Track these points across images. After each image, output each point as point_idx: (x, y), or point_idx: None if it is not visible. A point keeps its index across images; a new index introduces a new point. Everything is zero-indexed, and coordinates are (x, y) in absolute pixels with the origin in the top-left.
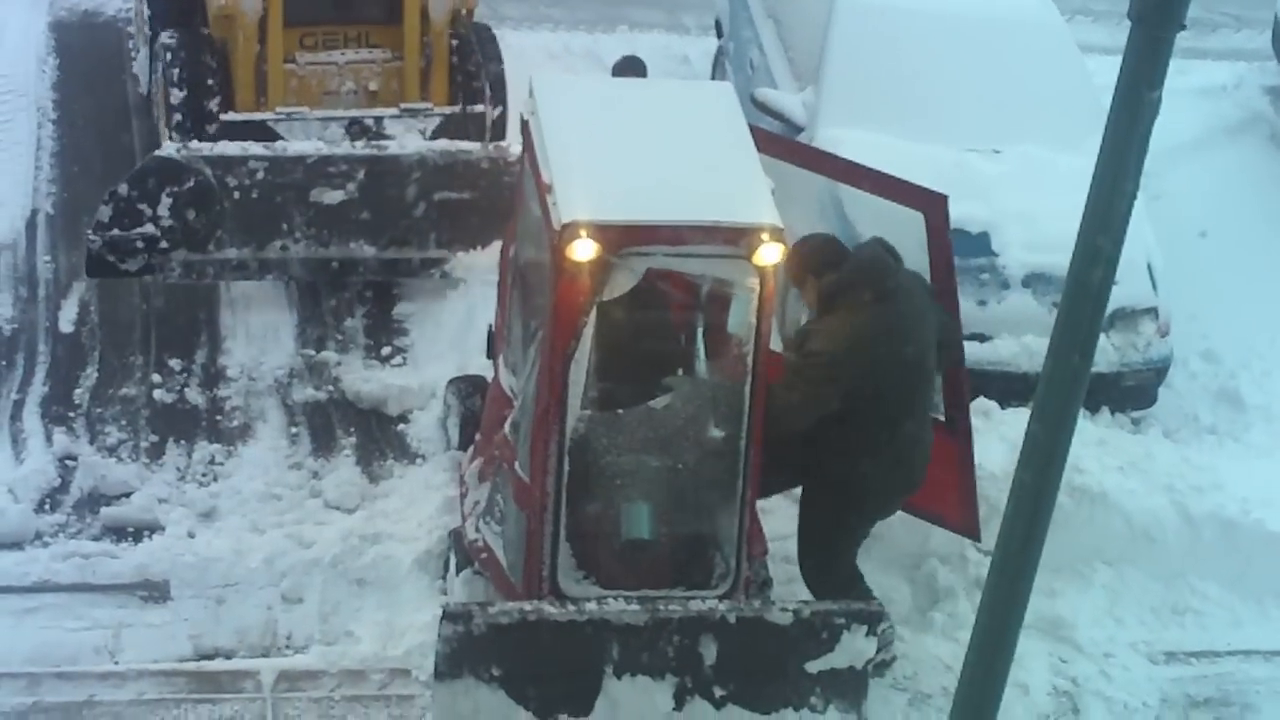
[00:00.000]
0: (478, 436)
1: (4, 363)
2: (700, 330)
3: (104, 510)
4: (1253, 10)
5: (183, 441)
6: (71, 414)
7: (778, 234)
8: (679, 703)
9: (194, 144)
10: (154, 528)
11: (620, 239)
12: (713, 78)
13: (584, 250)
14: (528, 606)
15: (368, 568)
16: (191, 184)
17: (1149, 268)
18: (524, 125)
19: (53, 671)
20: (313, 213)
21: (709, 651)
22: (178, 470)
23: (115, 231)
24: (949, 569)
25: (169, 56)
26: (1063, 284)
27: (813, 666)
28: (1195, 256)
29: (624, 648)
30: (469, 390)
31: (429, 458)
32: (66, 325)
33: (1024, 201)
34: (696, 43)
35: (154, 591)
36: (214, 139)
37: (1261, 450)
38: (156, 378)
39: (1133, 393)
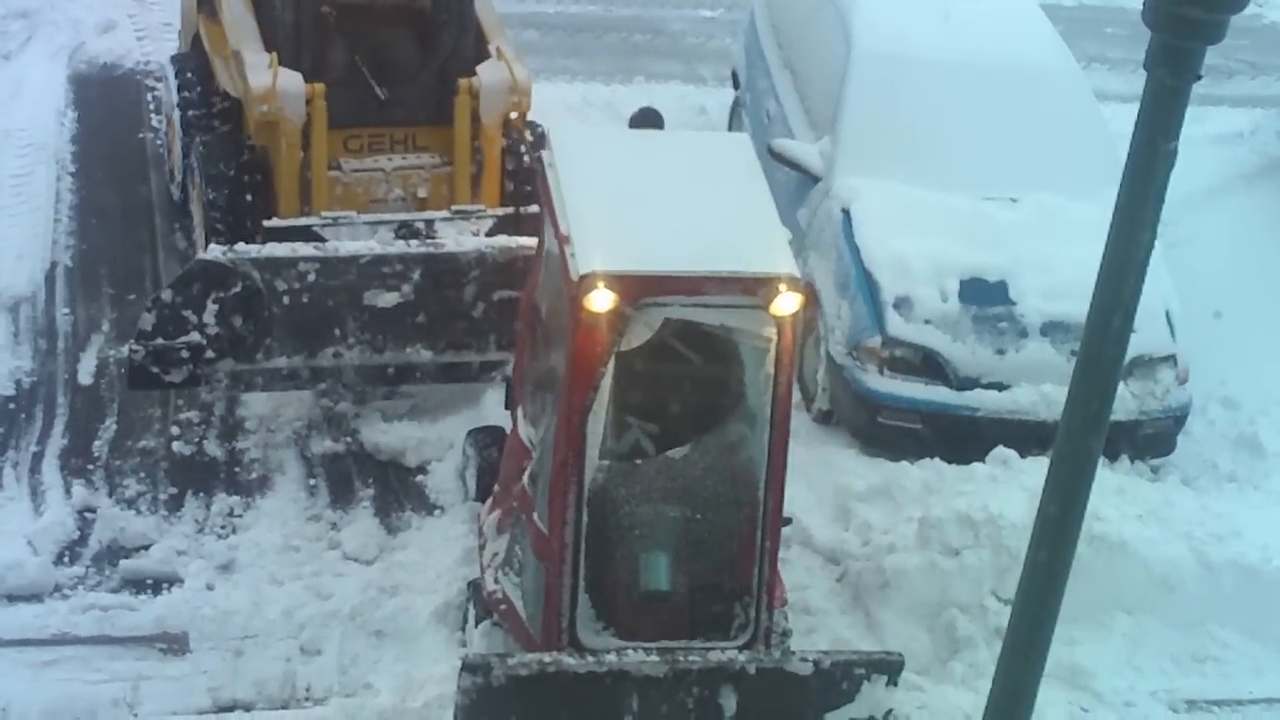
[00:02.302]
0: (496, 487)
1: (23, 415)
2: (719, 380)
3: (123, 563)
4: (1269, 57)
5: (201, 494)
6: (90, 466)
7: (795, 284)
8: None
9: (240, 246)
10: (173, 580)
11: (638, 289)
12: (730, 128)
13: (602, 301)
14: (547, 658)
15: (386, 619)
16: (238, 289)
17: (1167, 315)
18: (541, 176)
19: None
20: (366, 317)
21: (729, 703)
22: (196, 522)
23: (159, 341)
24: (968, 618)
25: (207, 163)
26: (1081, 332)
27: (833, 717)
28: (1214, 304)
29: (643, 699)
30: (487, 441)
31: (447, 509)
32: (85, 377)
33: (1041, 250)
34: (713, 93)
35: (173, 644)
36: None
37: None
38: (175, 430)
39: (1152, 440)
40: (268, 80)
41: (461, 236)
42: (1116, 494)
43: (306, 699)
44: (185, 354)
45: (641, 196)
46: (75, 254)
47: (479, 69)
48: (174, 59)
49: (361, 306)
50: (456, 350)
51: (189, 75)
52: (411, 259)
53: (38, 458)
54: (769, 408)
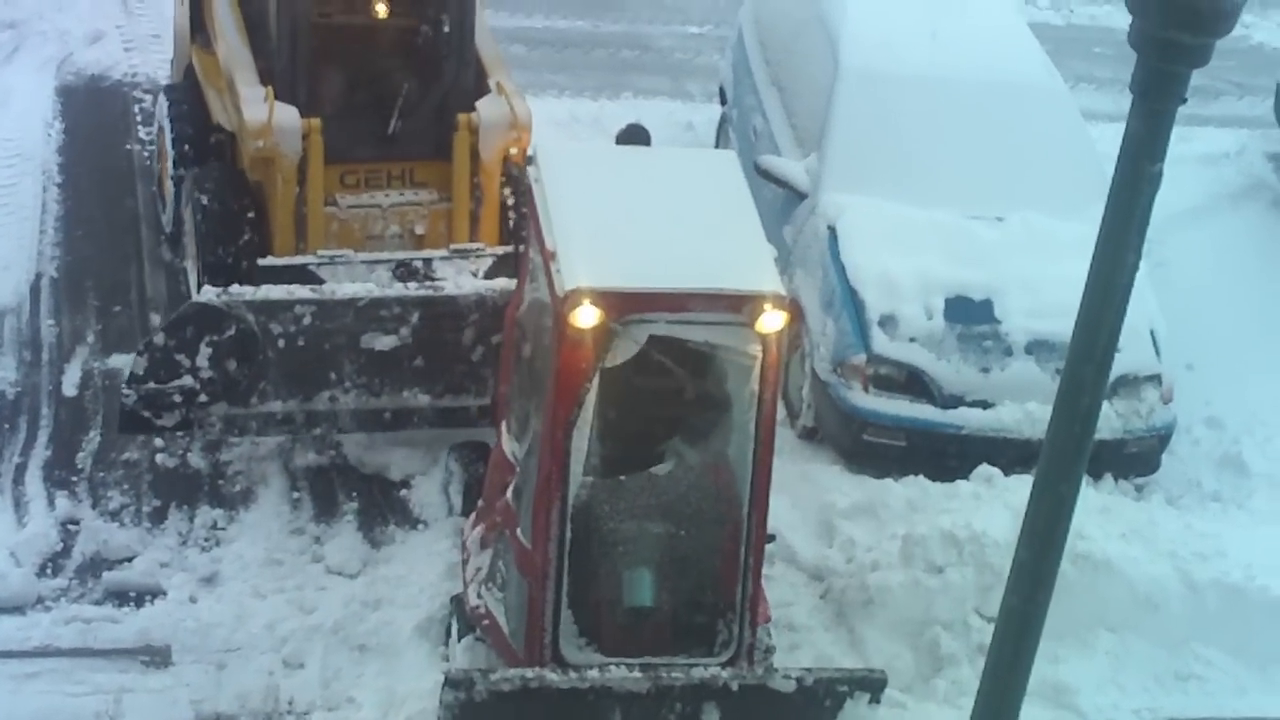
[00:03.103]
0: (480, 502)
1: (7, 426)
2: (704, 397)
3: (106, 575)
4: (1255, 78)
5: (185, 506)
6: (74, 478)
7: (780, 302)
8: None
9: (235, 288)
10: (156, 592)
11: (623, 305)
12: (717, 144)
13: (587, 317)
14: (530, 673)
15: (369, 634)
16: (232, 332)
17: (1152, 335)
18: (527, 191)
19: None
20: (363, 360)
21: (712, 719)
22: (179, 535)
23: (150, 385)
24: (952, 636)
25: (200, 197)
26: (1065, 351)
27: None
28: (1198, 323)
29: (626, 715)
30: (471, 456)
31: (431, 524)
32: (70, 389)
33: (1027, 268)
34: (701, 109)
35: (155, 656)
36: (251, 285)
37: (1265, 517)
38: (159, 442)
39: (1136, 460)
40: (263, 115)
41: (460, 278)
42: (1101, 513)
43: (289, 713)
44: (178, 398)
45: (628, 213)
46: (61, 265)
47: (479, 104)
48: (167, 90)
49: (359, 349)
50: (455, 395)
51: (182, 107)
52: (410, 302)
53: (21, 469)
54: (753, 425)
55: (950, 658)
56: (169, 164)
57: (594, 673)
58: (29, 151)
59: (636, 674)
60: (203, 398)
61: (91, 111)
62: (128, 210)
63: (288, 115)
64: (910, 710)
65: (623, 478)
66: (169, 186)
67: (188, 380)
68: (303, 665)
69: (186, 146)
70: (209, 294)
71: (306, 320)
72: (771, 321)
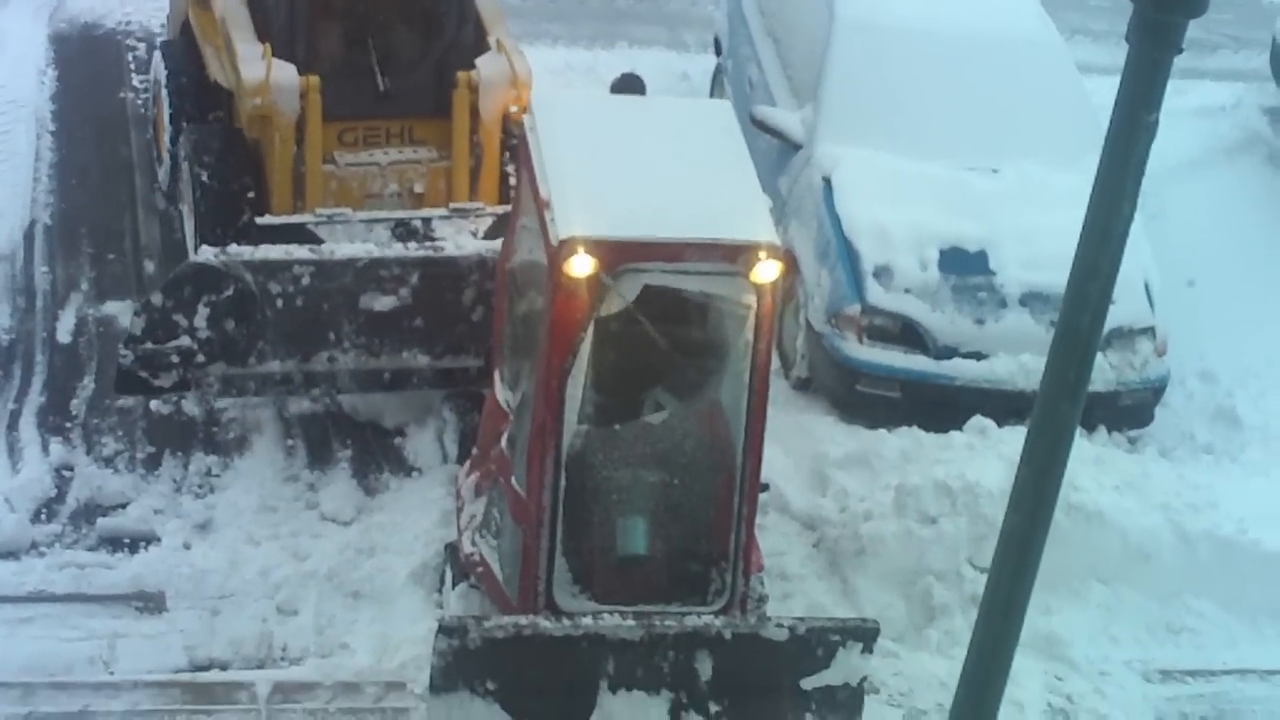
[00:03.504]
0: (474, 450)
1: (1, 373)
2: (698, 346)
3: (100, 521)
4: (1251, 31)
5: (179, 453)
6: (68, 424)
7: (775, 251)
8: (674, 718)
9: (233, 248)
10: (150, 539)
11: (617, 255)
12: (711, 95)
13: (581, 266)
14: (523, 621)
15: (363, 580)
16: (231, 292)
17: (1146, 287)
18: (521, 140)
19: (47, 682)
20: (362, 320)
21: (704, 667)
22: (174, 482)
23: (148, 345)
24: (944, 586)
25: (198, 156)
26: (1060, 303)
27: (808, 683)
28: (1193, 276)
29: (619, 663)
30: (466, 405)
31: (425, 471)
32: (64, 336)
33: (1022, 220)
34: (696, 60)
35: (149, 602)
36: (249, 244)
37: (1258, 469)
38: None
39: (1130, 412)
40: (261, 73)
41: (460, 237)
42: (1094, 464)
43: (283, 659)
44: (175, 359)
45: (623, 162)
46: (55, 212)
47: (478, 62)
48: (163, 46)
49: (357, 310)
50: (455, 355)
51: (179, 64)
52: (410, 262)
53: (15, 415)
54: (748, 374)
55: (943, 608)
56: (165, 121)
57: (587, 621)
58: (22, 99)
59: (630, 622)
60: (200, 358)
61: (85, 59)
62: (122, 158)
63: (286, 73)
64: (903, 660)
65: (617, 426)
66: (165, 143)
67: (185, 341)
68: (296, 612)
69: (183, 104)
70: (207, 254)
71: (305, 280)
72: (766, 271)
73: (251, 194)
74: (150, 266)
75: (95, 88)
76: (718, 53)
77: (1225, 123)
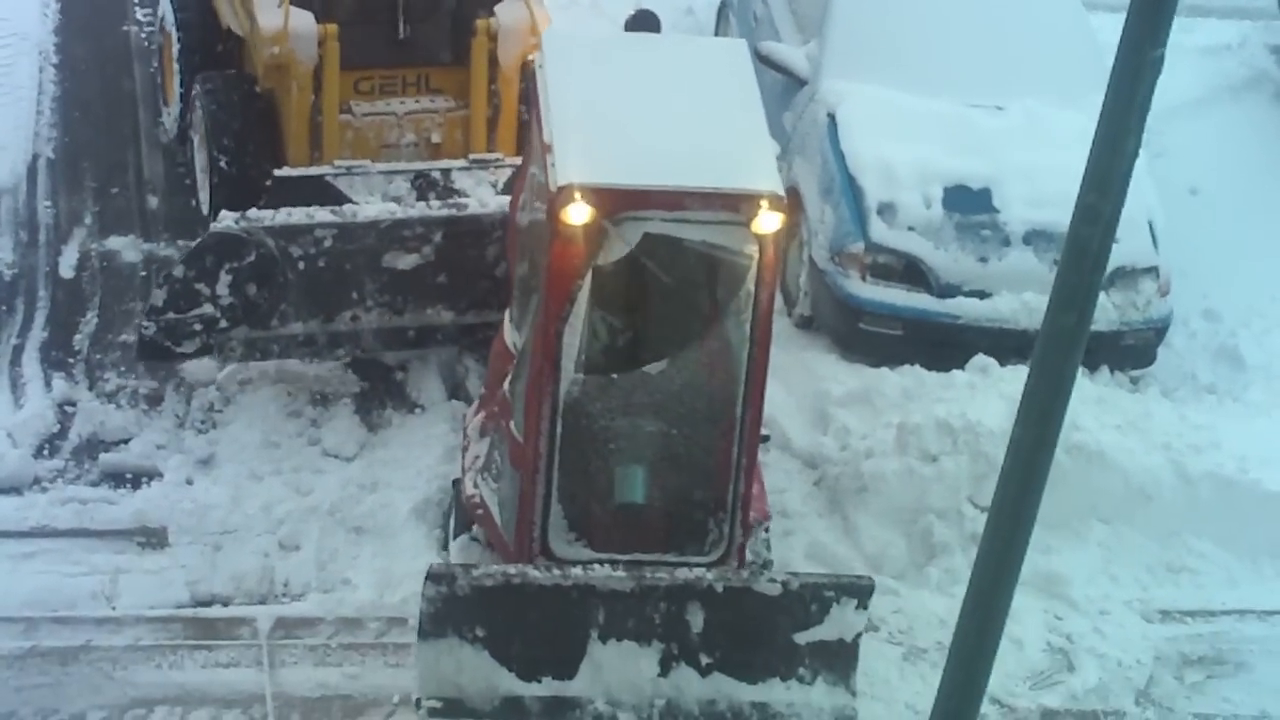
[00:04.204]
0: (482, 389)
1: (4, 308)
2: (700, 296)
3: (102, 456)
4: None
5: (182, 389)
6: (71, 360)
7: (778, 202)
8: (664, 669)
9: (253, 213)
10: (152, 474)
11: (616, 203)
12: (716, 30)
13: (579, 214)
14: (512, 569)
15: (365, 516)
16: (252, 258)
17: (1150, 226)
18: (530, 82)
19: (50, 616)
20: (385, 279)
21: (695, 619)
22: (176, 417)
23: (170, 315)
24: (945, 524)
25: (212, 105)
26: (1063, 241)
27: (802, 638)
28: (1197, 215)
29: (609, 613)
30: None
31: (428, 407)
32: (67, 271)
33: (1026, 158)
34: None
35: (151, 538)
36: (267, 196)
37: (1260, 409)
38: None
39: (1132, 351)
40: (278, 20)
41: (481, 190)
42: (1096, 404)
43: (285, 594)
44: (198, 326)
45: (629, 106)
46: (57, 146)
47: (497, 9)
48: None
49: (380, 269)
50: (479, 311)
51: (189, 12)
52: (433, 222)
53: (18, 350)
54: (749, 325)
55: (943, 546)
56: (174, 66)
57: (577, 570)
58: (25, 31)
59: (620, 573)
60: (223, 323)
61: None
62: (125, 91)
63: (303, 20)
64: (903, 598)
65: (615, 375)
66: (174, 87)
67: (208, 309)
68: (299, 547)
69: (194, 53)
70: (227, 220)
71: (328, 242)
72: (768, 222)
73: (267, 145)
74: (154, 201)
75: (98, 21)
76: None
77: (1231, 61)
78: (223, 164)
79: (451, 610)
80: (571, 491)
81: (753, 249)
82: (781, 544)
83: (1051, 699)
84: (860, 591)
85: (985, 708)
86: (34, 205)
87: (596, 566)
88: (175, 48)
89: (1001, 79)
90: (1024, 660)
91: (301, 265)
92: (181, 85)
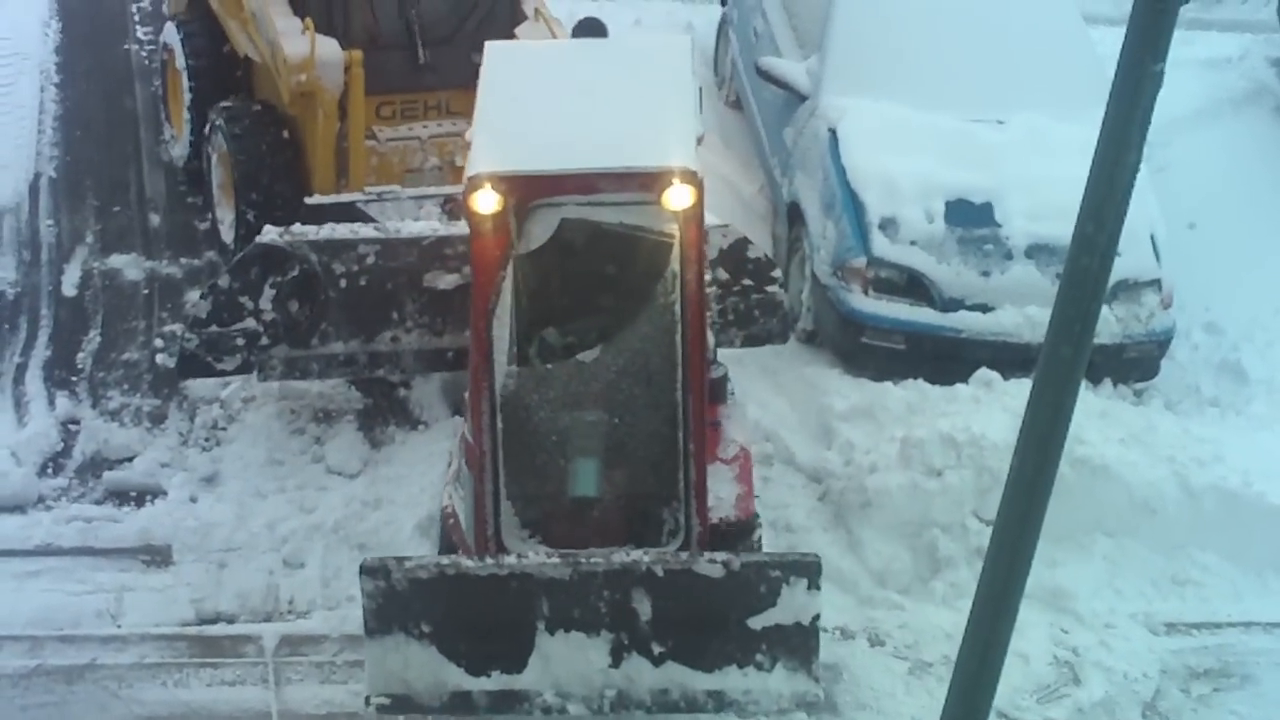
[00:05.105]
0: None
1: (7, 326)
2: (629, 281)
3: (106, 474)
4: None
5: (185, 406)
6: (74, 378)
7: (689, 177)
8: (615, 660)
9: (297, 228)
10: (156, 492)
11: (525, 189)
12: (716, 45)
13: (486, 202)
14: (445, 560)
15: (369, 533)
16: (295, 273)
17: (1152, 239)
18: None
19: (55, 635)
20: (426, 299)
21: (643, 607)
22: (180, 435)
23: (213, 329)
24: (950, 538)
25: (236, 132)
26: (1066, 255)
27: (756, 623)
28: (1199, 229)
29: (553, 603)
30: None
31: (431, 424)
32: (69, 289)
33: (1028, 172)
34: (702, 10)
35: (156, 556)
36: (290, 223)
37: (1263, 422)
38: (159, 342)
39: (1135, 364)
40: (304, 48)
41: None
42: (1099, 417)
43: (289, 611)
44: (240, 341)
45: (553, 102)
46: (59, 165)
47: (517, 31)
48: (179, 22)
49: (421, 289)
50: None
51: (198, 40)
52: None
53: (21, 369)
54: (678, 307)
55: (948, 560)
56: (185, 100)
57: (511, 559)
58: (26, 50)
59: (555, 560)
60: (264, 340)
61: (89, 11)
62: (126, 110)
63: (329, 48)
64: (908, 612)
65: (550, 367)
66: (183, 117)
67: (250, 323)
68: (303, 564)
69: (205, 79)
70: (271, 234)
71: (370, 259)
72: (679, 197)
73: (292, 173)
74: (156, 219)
75: (100, 39)
76: (723, 2)
77: (1232, 74)
78: (251, 193)
79: (394, 605)
80: (523, 488)
81: (674, 228)
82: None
83: (1057, 713)
84: (808, 570)
85: None
86: (36, 224)
87: (530, 555)
88: (184, 76)
89: (1002, 93)
90: (1030, 674)
91: (343, 282)
92: (191, 112)
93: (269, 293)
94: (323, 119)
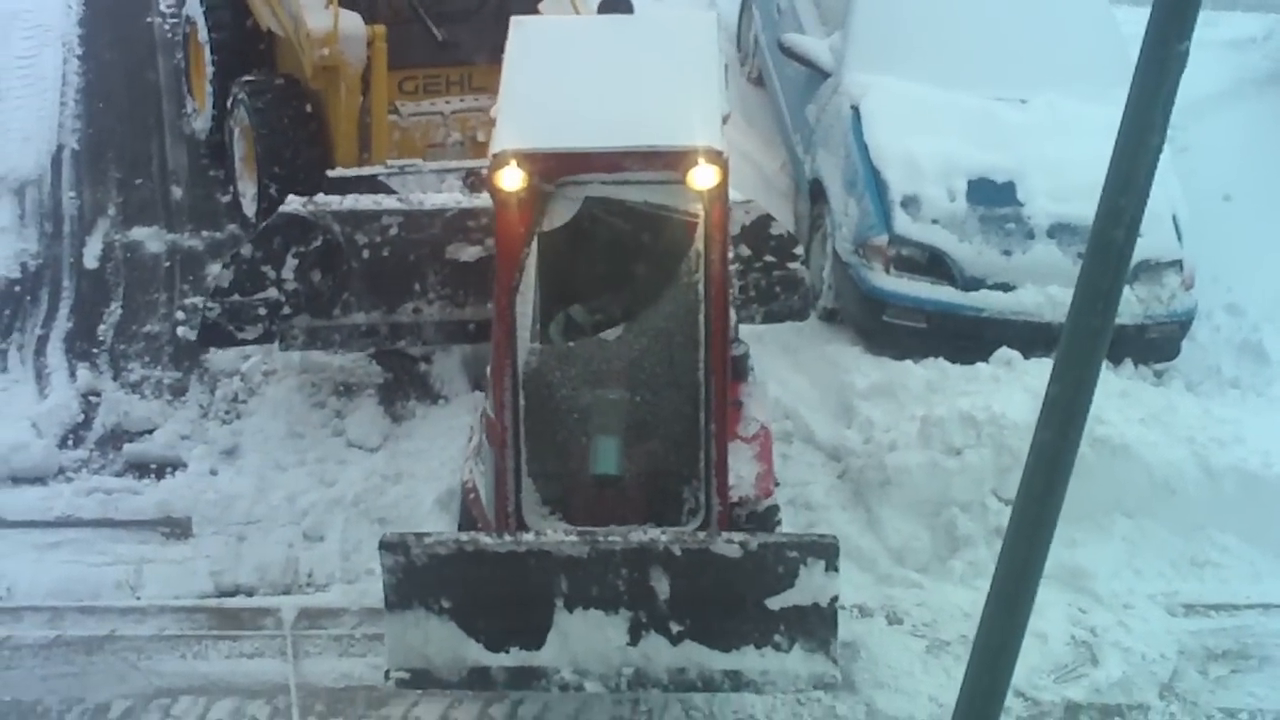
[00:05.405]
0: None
1: (29, 298)
2: (651, 260)
3: (127, 447)
4: None
5: (205, 379)
6: (95, 350)
7: (714, 156)
8: (633, 638)
9: (320, 198)
10: (176, 464)
11: (550, 167)
12: (740, 22)
13: (511, 179)
14: (464, 536)
15: (389, 507)
16: (319, 243)
17: (1174, 220)
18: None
19: (75, 606)
20: (448, 271)
21: (661, 585)
22: (200, 407)
23: (235, 298)
24: (969, 517)
25: (259, 106)
26: (1087, 234)
27: (774, 603)
28: (1221, 210)
29: (572, 581)
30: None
31: (451, 398)
32: (91, 261)
33: (1050, 151)
34: None
35: (176, 528)
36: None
37: None
38: (180, 315)
39: (1156, 345)
40: (328, 22)
41: None
42: (1120, 397)
43: (308, 584)
44: (262, 310)
45: (579, 79)
46: (82, 137)
47: (541, 6)
48: None
49: (443, 260)
50: None
51: (221, 14)
52: None
53: (43, 341)
54: (702, 286)
55: (967, 539)
56: (207, 73)
57: (529, 536)
58: (49, 23)
59: (573, 538)
60: (286, 310)
61: None
62: (149, 83)
63: (353, 22)
64: (926, 590)
65: (572, 344)
66: (205, 90)
67: (272, 293)
68: (322, 538)
69: (227, 53)
70: (295, 204)
71: (393, 231)
72: (704, 177)
73: (315, 147)
74: (178, 192)
75: (122, 12)
76: None
77: (1256, 54)
78: (273, 167)
79: (414, 581)
80: (544, 465)
81: (698, 207)
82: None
83: (1075, 692)
84: (825, 551)
85: (1009, 701)
86: (58, 196)
87: (549, 533)
88: (207, 49)
89: (1025, 72)
90: (1048, 653)
91: (366, 253)
92: (214, 85)
93: (291, 263)
94: (345, 93)
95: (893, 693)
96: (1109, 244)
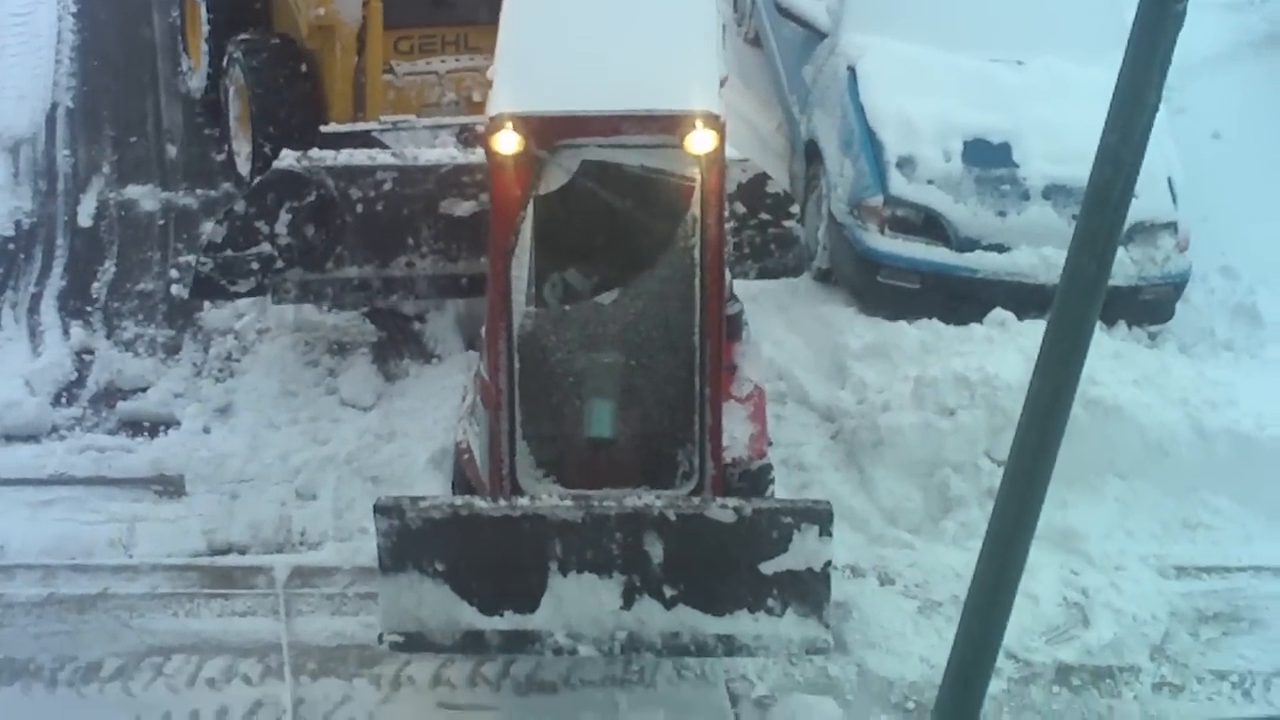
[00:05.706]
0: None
1: (23, 256)
2: (647, 224)
3: (120, 405)
4: None
5: (199, 337)
6: (89, 308)
7: (712, 121)
8: (627, 602)
9: (315, 153)
10: (169, 423)
11: (548, 130)
12: None
13: (507, 143)
14: (459, 500)
15: (382, 465)
16: (312, 198)
17: (1169, 182)
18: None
19: (68, 564)
20: (441, 225)
21: (655, 550)
22: (194, 365)
23: (228, 253)
24: (961, 478)
25: (254, 65)
26: (1082, 196)
27: (767, 568)
28: (1217, 171)
29: (565, 545)
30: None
31: (445, 357)
32: (85, 219)
33: (1046, 113)
34: None
35: (169, 486)
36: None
37: (1278, 366)
38: (174, 273)
39: (1150, 307)
40: None
41: None
42: (1113, 359)
43: (301, 543)
44: (255, 265)
45: (576, 41)
46: (76, 95)
47: None
48: None
49: (437, 215)
50: None
51: None
52: None
53: (36, 299)
54: (698, 251)
55: (959, 500)
56: (203, 28)
57: (524, 501)
58: None
59: (568, 503)
60: (279, 264)
61: None
62: (144, 40)
63: None
64: (919, 551)
65: (568, 308)
66: (201, 48)
67: (265, 247)
68: (315, 496)
69: (224, 11)
70: (289, 159)
71: (387, 185)
72: (702, 141)
73: (310, 105)
74: (172, 150)
75: None
76: None
77: (1253, 16)
78: (268, 126)
79: (407, 544)
80: (539, 428)
81: (694, 172)
82: (798, 497)
83: (1067, 653)
84: (819, 517)
85: (1000, 661)
86: (53, 154)
87: (544, 497)
88: (202, 7)
89: (1022, 34)
90: (1039, 615)
91: (360, 208)
92: (209, 44)
93: (285, 217)
94: (340, 52)
95: (884, 653)
96: (1105, 200)
